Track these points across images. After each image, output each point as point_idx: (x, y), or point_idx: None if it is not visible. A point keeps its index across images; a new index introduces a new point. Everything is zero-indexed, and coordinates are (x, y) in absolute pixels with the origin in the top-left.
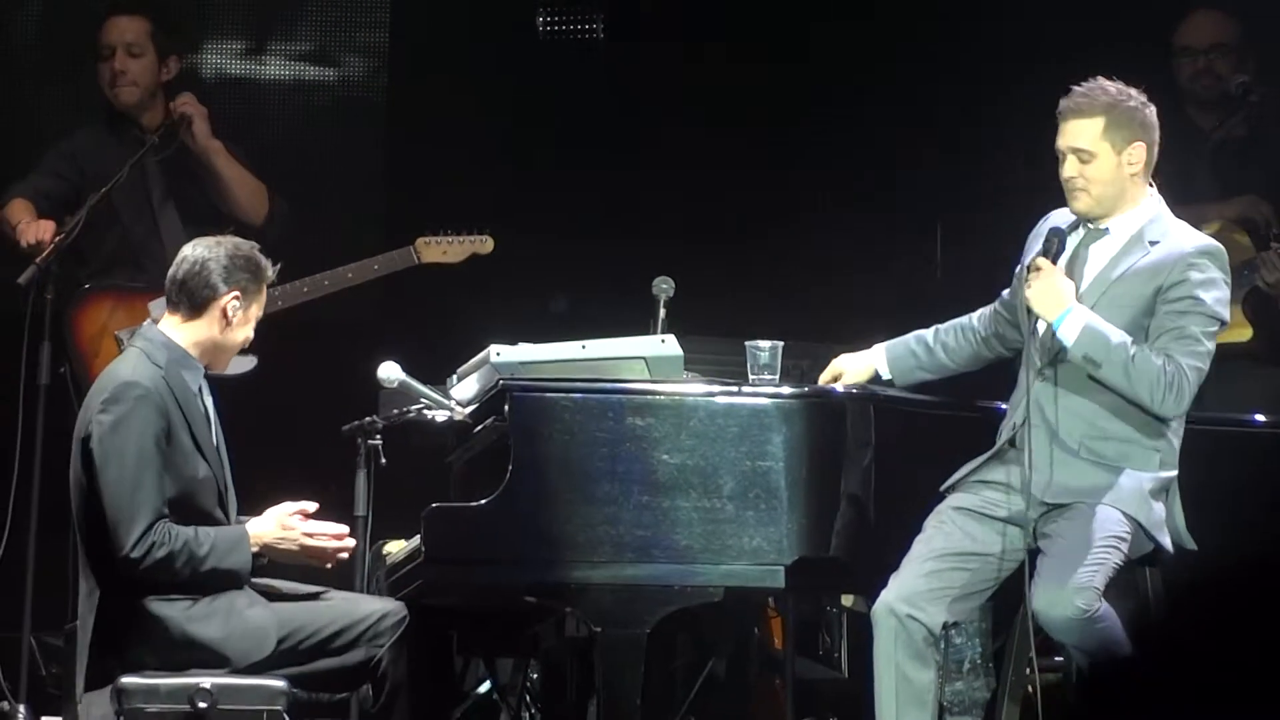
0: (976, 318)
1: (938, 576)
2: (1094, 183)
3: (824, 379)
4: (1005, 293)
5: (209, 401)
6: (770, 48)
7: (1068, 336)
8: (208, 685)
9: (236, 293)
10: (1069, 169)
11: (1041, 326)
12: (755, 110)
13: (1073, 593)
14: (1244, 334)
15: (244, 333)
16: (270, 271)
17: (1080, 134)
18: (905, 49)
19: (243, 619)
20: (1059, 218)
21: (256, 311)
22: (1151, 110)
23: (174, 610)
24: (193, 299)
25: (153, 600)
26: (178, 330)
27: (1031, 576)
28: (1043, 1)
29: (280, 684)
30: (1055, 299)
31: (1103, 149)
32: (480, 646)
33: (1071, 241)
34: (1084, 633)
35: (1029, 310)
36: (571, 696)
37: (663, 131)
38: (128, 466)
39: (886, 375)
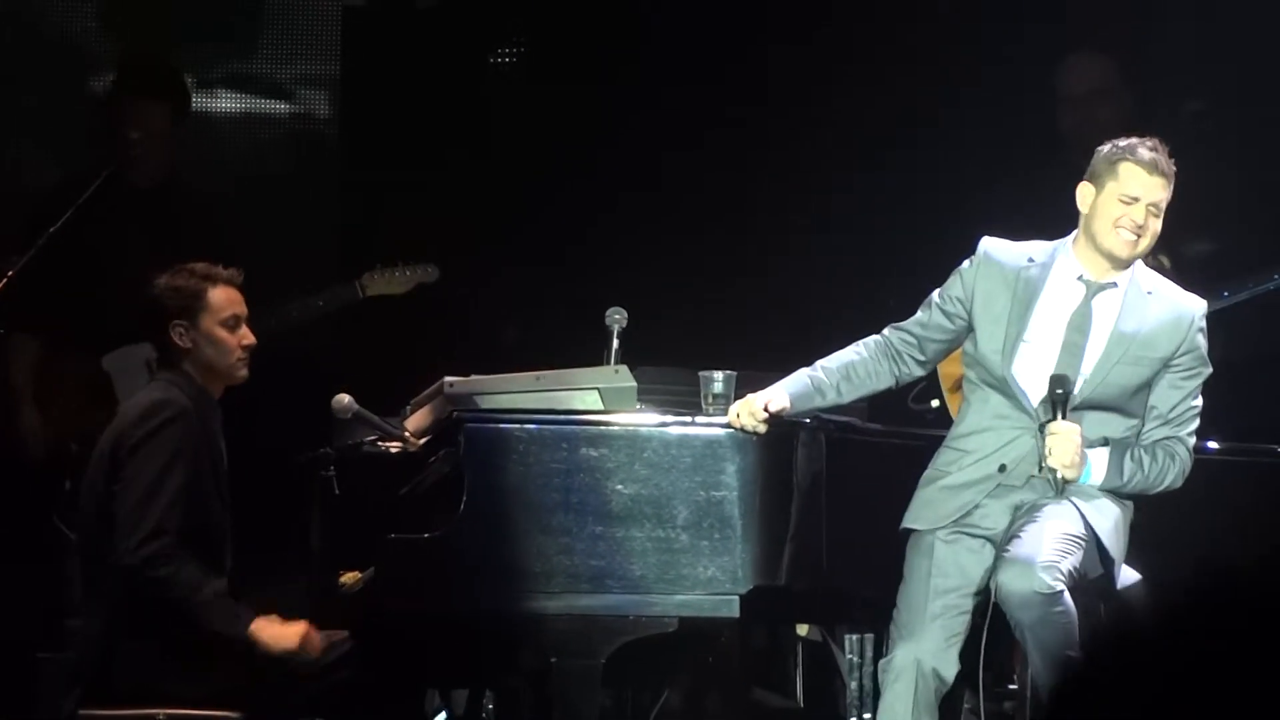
0: (876, 356)
1: (947, 624)
2: (1147, 237)
3: (748, 420)
4: (919, 323)
5: (222, 444)
6: (726, 77)
7: (1095, 481)
8: (163, 717)
9: (177, 322)
10: (1138, 215)
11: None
12: (708, 139)
13: (1040, 568)
14: None
15: (217, 345)
16: (206, 270)
17: (1160, 191)
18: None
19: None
20: (998, 251)
21: (215, 319)
22: None
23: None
24: (161, 352)
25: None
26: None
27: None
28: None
29: (235, 716)
30: (1076, 457)
31: (1163, 211)
32: (435, 677)
33: (1070, 295)
34: (1044, 612)
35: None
36: None
37: (614, 162)
38: (152, 473)
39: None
